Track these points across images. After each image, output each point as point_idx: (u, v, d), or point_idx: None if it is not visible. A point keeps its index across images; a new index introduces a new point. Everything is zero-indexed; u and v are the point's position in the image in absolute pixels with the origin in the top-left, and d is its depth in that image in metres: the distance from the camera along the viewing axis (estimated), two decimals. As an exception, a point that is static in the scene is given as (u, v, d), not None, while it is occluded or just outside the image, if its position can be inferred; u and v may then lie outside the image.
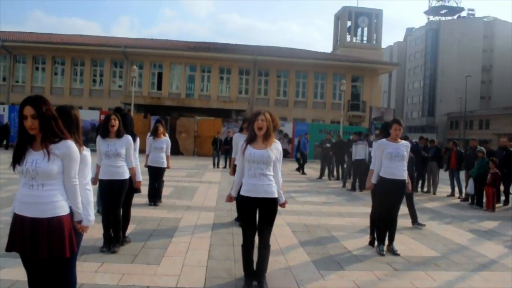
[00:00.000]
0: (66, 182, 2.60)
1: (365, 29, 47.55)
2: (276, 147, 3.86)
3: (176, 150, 22.03)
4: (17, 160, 2.54)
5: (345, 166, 14.08)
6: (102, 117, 24.63)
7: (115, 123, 4.85)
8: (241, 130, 6.71)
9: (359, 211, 8.80)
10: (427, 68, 73.75)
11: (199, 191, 10.47)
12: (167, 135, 8.34)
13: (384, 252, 5.43)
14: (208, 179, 13.27)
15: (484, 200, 10.04)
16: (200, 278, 4.18)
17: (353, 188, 12.24)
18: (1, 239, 5.13)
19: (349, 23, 48.43)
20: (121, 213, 5.09)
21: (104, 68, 32.87)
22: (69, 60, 32.55)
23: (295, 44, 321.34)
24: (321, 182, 14.22)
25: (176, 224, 6.62)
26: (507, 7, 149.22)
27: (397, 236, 5.79)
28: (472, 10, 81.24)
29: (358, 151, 12.71)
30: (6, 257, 4.40)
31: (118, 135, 4.91)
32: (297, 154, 17.40)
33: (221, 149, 18.41)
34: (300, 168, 16.87)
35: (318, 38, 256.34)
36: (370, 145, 14.00)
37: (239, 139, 6.58)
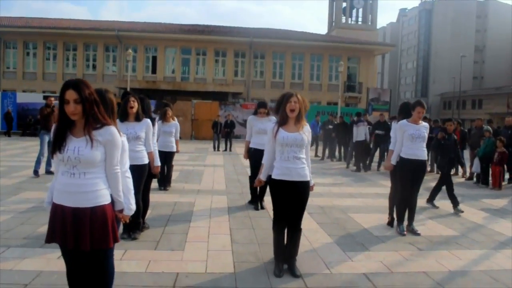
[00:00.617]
0: (108, 169, 2.48)
1: (360, 10, 47.01)
2: (308, 130, 3.77)
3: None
4: (58, 147, 2.39)
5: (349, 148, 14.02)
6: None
7: (134, 104, 4.70)
8: (255, 113, 6.60)
9: (369, 191, 8.80)
10: (420, 49, 73.64)
11: (206, 175, 10.39)
12: (176, 119, 8.22)
13: (405, 232, 5.43)
14: (212, 162, 13.20)
15: (490, 178, 10.09)
16: (229, 263, 4.13)
17: (358, 169, 12.24)
18: (15, 228, 5.05)
19: (344, 4, 47.85)
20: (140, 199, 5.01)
21: (97, 53, 32.28)
22: (61, 45, 31.90)
23: (287, 26, 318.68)
24: (323, 163, 14.20)
25: (191, 208, 6.55)
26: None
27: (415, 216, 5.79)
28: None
29: (359, 132, 12.69)
30: (25, 247, 4.35)
31: (137, 118, 4.78)
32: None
33: (221, 132, 18.39)
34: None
35: (311, 20, 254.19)
36: (370, 125, 13.99)
37: (253, 122, 6.52)
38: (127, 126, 4.71)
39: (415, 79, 75.68)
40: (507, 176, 10.92)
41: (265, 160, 3.91)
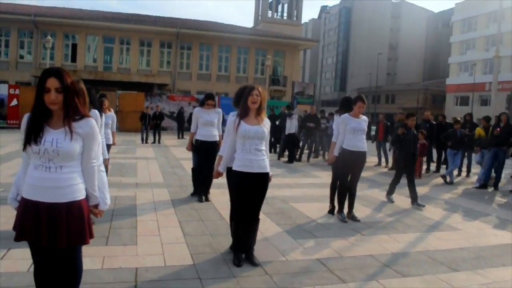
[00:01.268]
0: (85, 163, 2.36)
1: (286, 5, 48.07)
2: (267, 122, 3.87)
3: (98, 126, 20.90)
4: (34, 138, 2.23)
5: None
6: (11, 91, 22.72)
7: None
8: (202, 105, 6.57)
9: (305, 182, 9.16)
10: (340, 45, 77.21)
11: (140, 168, 10.13)
12: (112, 110, 7.91)
13: (346, 219, 5.76)
14: (143, 155, 12.88)
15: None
16: (186, 255, 4.12)
17: (290, 161, 12.68)
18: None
19: (270, -1, 48.67)
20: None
21: (10, 38, 29.78)
22: (-34, 28, 29.05)
23: (210, 18, 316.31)
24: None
25: (133, 202, 6.39)
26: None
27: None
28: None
29: (292, 124, 13.13)
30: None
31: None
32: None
33: (150, 124, 17.97)
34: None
35: (234, 13, 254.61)
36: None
37: (200, 114, 6.49)
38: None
39: (334, 74, 79.20)
40: (432, 167, 12.02)
41: (224, 153, 3.95)
